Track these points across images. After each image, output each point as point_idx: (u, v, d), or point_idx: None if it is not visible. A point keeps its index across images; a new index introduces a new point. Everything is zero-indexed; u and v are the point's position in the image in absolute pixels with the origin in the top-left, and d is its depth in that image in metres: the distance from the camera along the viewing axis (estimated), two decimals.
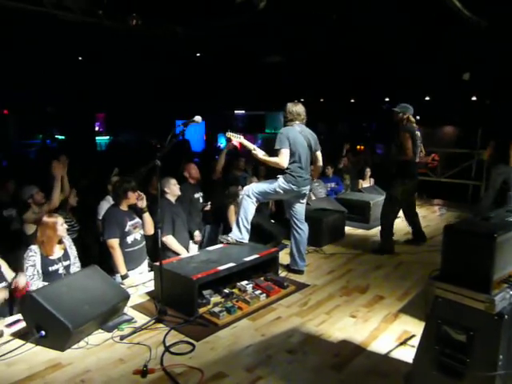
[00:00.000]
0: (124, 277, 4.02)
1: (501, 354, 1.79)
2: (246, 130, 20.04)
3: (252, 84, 14.99)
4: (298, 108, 4.30)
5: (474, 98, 13.98)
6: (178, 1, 7.44)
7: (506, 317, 1.79)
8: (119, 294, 3.37)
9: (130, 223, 4.19)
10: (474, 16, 7.31)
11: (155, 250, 4.22)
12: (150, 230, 4.38)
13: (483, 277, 1.79)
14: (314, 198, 6.70)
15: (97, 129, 19.87)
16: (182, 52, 11.49)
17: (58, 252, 3.71)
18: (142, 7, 7.70)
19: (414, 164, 5.13)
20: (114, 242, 4.02)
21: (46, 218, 3.63)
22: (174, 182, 4.77)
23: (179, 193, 4.81)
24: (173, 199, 4.77)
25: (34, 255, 3.53)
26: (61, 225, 3.67)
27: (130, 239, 4.14)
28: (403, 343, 3.08)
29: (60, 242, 3.75)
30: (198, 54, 11.91)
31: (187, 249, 4.80)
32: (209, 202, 5.66)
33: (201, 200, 5.56)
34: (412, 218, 5.58)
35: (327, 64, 11.97)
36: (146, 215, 4.34)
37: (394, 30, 9.03)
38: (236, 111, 20.73)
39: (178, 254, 4.42)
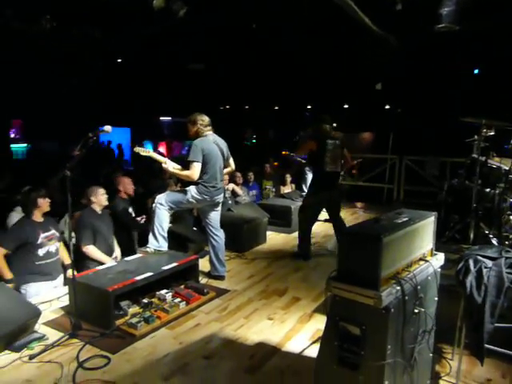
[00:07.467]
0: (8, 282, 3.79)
1: (389, 344, 1.97)
2: (173, 136, 19.84)
3: (177, 91, 14.90)
4: (205, 117, 4.33)
5: (387, 107, 15.00)
6: (95, 6, 7.23)
7: (393, 310, 1.97)
8: (28, 311, 3.21)
9: (43, 235, 4.00)
10: (382, 31, 7.86)
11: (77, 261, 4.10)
12: (65, 259, 4.29)
13: (372, 275, 1.95)
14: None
15: (12, 136, 18.60)
16: (104, 57, 11.18)
17: None
18: (56, 9, 7.39)
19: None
20: None
21: None
22: (102, 191, 4.60)
23: (106, 203, 4.66)
24: (98, 209, 4.59)
25: None
26: None
27: (41, 252, 3.96)
28: (316, 341, 3.25)
29: None
30: (119, 60, 11.63)
31: None
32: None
33: (133, 214, 5.43)
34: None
35: (251, 71, 12.23)
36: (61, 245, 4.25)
37: (314, 41, 9.46)
38: (162, 118, 20.43)
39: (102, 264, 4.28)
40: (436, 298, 2.43)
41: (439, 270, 2.47)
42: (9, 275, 3.80)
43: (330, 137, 5.21)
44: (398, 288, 2.03)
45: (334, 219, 5.50)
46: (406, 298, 2.06)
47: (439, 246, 2.67)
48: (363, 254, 1.98)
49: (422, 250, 2.39)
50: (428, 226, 2.43)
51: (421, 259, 2.37)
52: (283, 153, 8.05)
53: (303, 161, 7.56)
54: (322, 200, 5.25)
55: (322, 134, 5.18)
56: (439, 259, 2.49)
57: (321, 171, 5.16)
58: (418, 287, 2.16)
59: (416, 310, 2.15)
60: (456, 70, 10.75)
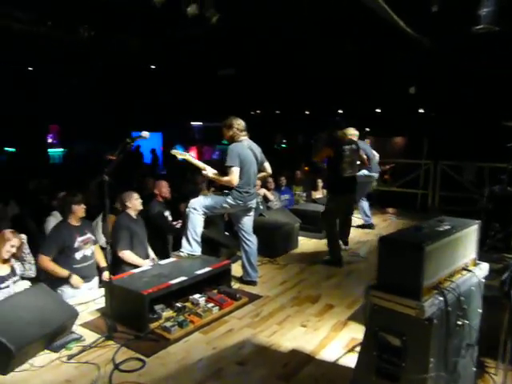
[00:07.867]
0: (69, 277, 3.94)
1: (431, 356, 1.90)
2: (204, 141, 20.06)
3: (209, 96, 15.06)
4: (241, 122, 4.34)
5: (421, 111, 14.66)
6: (130, 13, 7.41)
7: (436, 321, 1.90)
8: (67, 312, 3.28)
9: (79, 239, 4.09)
10: (417, 34, 7.71)
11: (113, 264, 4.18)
12: (101, 262, 4.37)
13: (413, 285, 1.90)
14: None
15: (50, 141, 19.21)
16: (138, 64, 11.43)
17: (4, 269, 3.60)
18: (94, 18, 7.60)
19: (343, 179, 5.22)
20: (45, 260, 3.90)
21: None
22: (136, 196, 4.68)
23: (141, 207, 4.72)
24: (133, 214, 4.65)
25: None
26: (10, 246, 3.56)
27: (78, 255, 4.05)
28: (351, 350, 3.18)
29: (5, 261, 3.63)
30: (153, 67, 11.86)
31: None
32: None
33: (170, 218, 5.50)
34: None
35: (281, 77, 12.22)
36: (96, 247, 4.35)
37: (347, 45, 9.38)
38: (193, 123, 20.69)
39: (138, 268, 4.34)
40: (480, 310, 2.34)
41: (483, 280, 2.38)
42: (65, 272, 3.93)
43: (346, 142, 5.25)
44: (441, 298, 1.96)
45: (343, 222, 5.62)
46: (449, 309, 1.99)
47: (480, 255, 2.57)
48: (404, 263, 1.93)
49: (464, 260, 2.31)
50: (471, 234, 2.35)
51: (463, 269, 2.28)
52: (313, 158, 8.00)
53: None
54: (342, 204, 5.34)
55: (337, 140, 5.20)
56: (483, 269, 2.40)
57: (339, 177, 5.19)
58: (462, 298, 2.08)
59: (459, 322, 2.08)
60: (494, 73, 10.41)
